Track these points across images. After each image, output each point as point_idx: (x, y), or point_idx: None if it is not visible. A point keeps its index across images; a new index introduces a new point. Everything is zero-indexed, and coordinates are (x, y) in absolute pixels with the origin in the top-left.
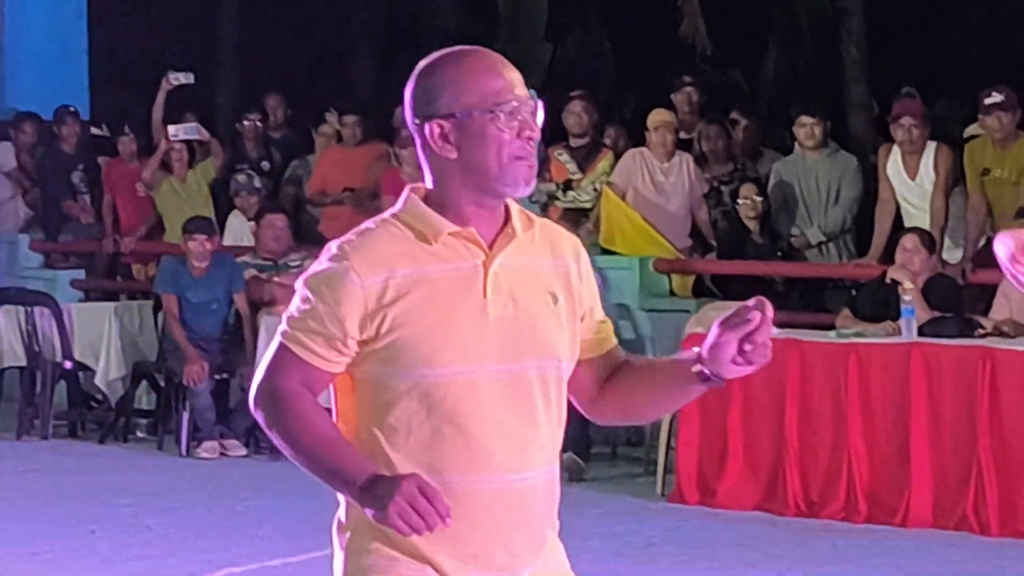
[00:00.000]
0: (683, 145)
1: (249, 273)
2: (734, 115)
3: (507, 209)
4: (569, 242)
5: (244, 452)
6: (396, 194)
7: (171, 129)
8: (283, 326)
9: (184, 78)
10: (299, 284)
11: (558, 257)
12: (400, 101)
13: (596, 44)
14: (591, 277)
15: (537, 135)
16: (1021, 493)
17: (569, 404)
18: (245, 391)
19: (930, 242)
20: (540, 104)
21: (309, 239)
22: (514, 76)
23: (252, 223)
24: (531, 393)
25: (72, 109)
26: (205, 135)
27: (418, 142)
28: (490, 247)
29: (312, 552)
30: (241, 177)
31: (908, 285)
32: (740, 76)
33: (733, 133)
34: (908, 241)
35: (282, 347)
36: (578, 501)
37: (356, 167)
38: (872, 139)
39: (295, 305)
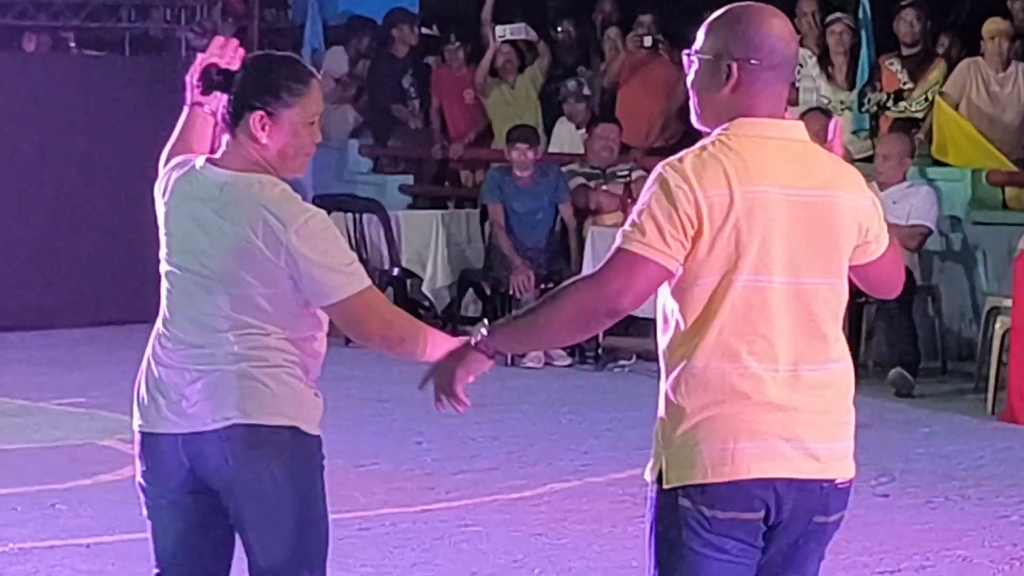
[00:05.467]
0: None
1: (576, 182)
2: None
3: None
4: None
5: (569, 362)
6: None
7: (498, 29)
8: None
9: None
10: None
11: None
12: None
13: None
14: None
15: None
16: None
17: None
18: None
19: None
20: None
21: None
22: None
23: (583, 131)
24: None
25: (406, 11)
26: (532, 35)
27: None
28: None
29: (637, 468)
30: (571, 83)
31: None
32: None
33: None
34: None
35: None
36: (906, 419)
37: None
38: None
39: None
